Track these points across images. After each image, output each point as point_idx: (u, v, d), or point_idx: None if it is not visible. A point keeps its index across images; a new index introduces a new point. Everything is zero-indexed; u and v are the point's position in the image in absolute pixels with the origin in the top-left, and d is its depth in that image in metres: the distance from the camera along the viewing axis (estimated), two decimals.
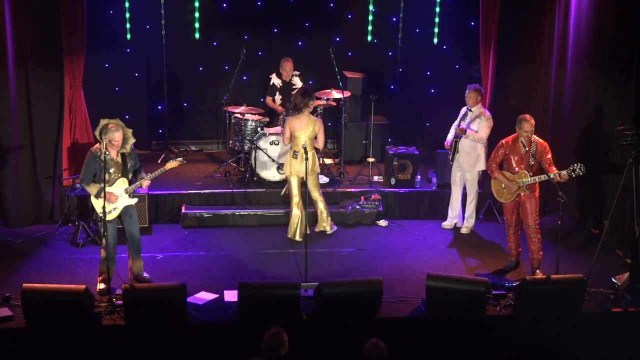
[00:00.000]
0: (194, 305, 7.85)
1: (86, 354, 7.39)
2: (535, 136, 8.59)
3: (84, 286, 7.49)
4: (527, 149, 8.45)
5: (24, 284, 7.49)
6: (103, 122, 8.10)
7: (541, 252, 8.71)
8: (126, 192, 8.23)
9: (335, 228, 9.93)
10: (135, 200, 8.39)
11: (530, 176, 8.50)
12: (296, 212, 9.60)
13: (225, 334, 7.55)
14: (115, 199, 8.16)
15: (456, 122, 9.85)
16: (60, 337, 7.38)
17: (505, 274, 8.85)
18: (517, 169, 8.60)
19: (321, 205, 9.79)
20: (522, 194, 8.60)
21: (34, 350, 7.35)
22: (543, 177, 8.44)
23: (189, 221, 10.19)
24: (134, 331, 7.47)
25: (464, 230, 10.08)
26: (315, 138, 9.55)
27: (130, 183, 8.26)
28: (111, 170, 8.12)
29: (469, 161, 9.75)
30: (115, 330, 7.47)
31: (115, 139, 7.99)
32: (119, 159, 8.17)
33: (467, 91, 9.76)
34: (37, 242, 9.60)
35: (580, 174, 8.32)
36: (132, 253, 8.44)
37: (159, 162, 11.67)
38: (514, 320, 7.83)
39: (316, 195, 9.74)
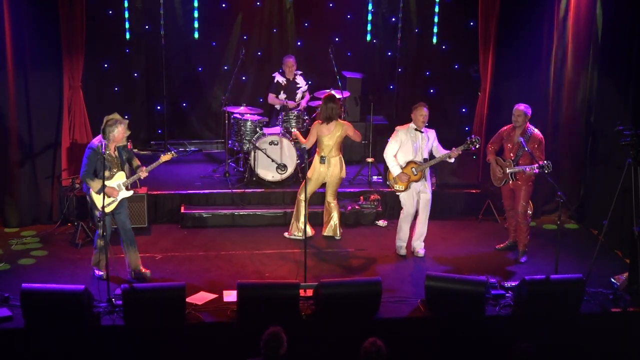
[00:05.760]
0: (193, 305, 7.84)
1: (85, 354, 7.39)
2: (532, 127, 8.91)
3: (83, 286, 7.49)
4: (520, 139, 8.79)
5: (23, 284, 7.48)
6: (106, 118, 8.25)
7: (528, 237, 9.22)
8: (124, 185, 8.37)
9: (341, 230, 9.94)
10: (132, 192, 8.52)
11: (514, 166, 8.90)
12: (304, 211, 9.50)
13: (225, 335, 7.54)
14: (117, 193, 8.31)
15: (396, 148, 8.97)
16: (59, 337, 7.37)
17: (502, 252, 9.36)
18: (507, 157, 9.02)
19: (336, 214, 9.78)
20: (511, 181, 8.96)
21: (33, 351, 7.34)
22: (520, 169, 8.84)
23: (188, 221, 10.19)
24: (133, 331, 7.46)
25: (422, 253, 9.31)
26: (343, 142, 9.59)
27: (127, 175, 8.40)
28: (109, 166, 8.23)
29: (430, 184, 9.18)
30: (115, 331, 7.47)
31: (121, 132, 8.18)
32: (116, 153, 8.32)
33: (417, 108, 8.95)
34: (36, 243, 9.60)
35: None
36: (127, 245, 8.50)
37: None
38: (513, 320, 7.83)
39: (334, 201, 9.75)
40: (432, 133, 9.08)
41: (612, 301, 8.11)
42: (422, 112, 8.97)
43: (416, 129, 8.98)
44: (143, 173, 8.43)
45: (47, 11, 9.79)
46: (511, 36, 10.53)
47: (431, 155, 9.07)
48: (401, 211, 9.31)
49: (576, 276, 7.96)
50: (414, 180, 9.00)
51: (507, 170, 8.97)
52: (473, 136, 8.84)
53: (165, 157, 8.51)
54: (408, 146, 8.99)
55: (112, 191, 8.25)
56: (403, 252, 9.35)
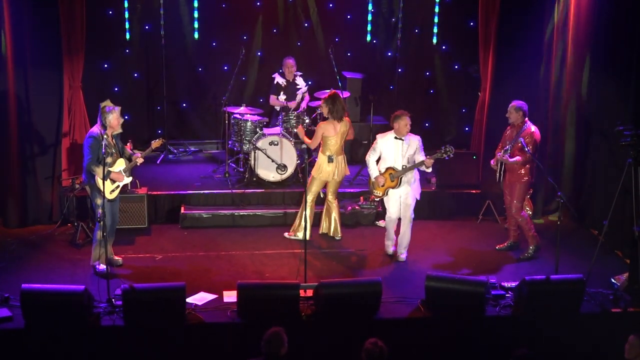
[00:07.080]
0: (193, 305, 7.84)
1: (85, 354, 7.39)
2: (530, 124, 8.99)
3: (83, 286, 7.49)
4: (521, 139, 8.85)
5: (23, 285, 7.47)
6: (101, 105, 8.42)
7: (533, 232, 9.25)
8: (124, 172, 8.53)
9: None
10: (130, 178, 8.72)
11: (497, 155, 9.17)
12: (310, 212, 9.47)
13: (225, 335, 7.54)
14: (123, 177, 8.51)
15: (376, 157, 9.06)
16: (59, 337, 7.37)
17: (502, 252, 9.40)
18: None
19: (336, 213, 9.78)
20: (504, 173, 9.11)
21: (33, 351, 7.34)
22: (499, 156, 9.05)
23: (188, 221, 10.19)
24: (133, 332, 7.46)
25: (404, 258, 9.22)
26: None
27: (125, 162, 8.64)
28: (111, 153, 8.38)
29: (414, 190, 9.03)
30: (115, 331, 7.47)
31: (115, 118, 8.34)
32: (114, 141, 8.47)
33: (401, 118, 8.83)
34: (36, 243, 9.60)
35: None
36: (109, 234, 8.56)
37: (158, 162, 11.70)
38: (513, 320, 7.83)
39: (334, 201, 9.75)
40: (415, 141, 8.93)
41: (613, 301, 8.11)
42: (406, 122, 8.87)
43: (396, 137, 8.90)
44: (139, 159, 8.64)
45: (47, 11, 9.79)
46: (511, 36, 10.54)
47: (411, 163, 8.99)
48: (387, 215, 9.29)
49: (576, 276, 7.96)
50: (390, 187, 8.97)
51: (493, 164, 9.19)
52: (448, 145, 8.77)
53: (155, 144, 8.73)
54: (387, 154, 8.97)
55: (119, 175, 8.45)
56: (390, 251, 9.35)
